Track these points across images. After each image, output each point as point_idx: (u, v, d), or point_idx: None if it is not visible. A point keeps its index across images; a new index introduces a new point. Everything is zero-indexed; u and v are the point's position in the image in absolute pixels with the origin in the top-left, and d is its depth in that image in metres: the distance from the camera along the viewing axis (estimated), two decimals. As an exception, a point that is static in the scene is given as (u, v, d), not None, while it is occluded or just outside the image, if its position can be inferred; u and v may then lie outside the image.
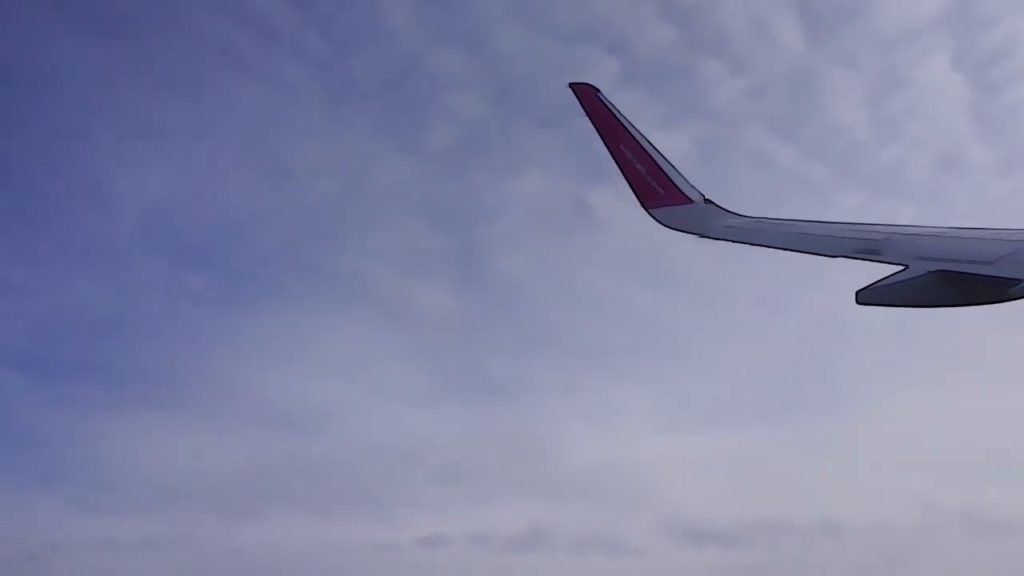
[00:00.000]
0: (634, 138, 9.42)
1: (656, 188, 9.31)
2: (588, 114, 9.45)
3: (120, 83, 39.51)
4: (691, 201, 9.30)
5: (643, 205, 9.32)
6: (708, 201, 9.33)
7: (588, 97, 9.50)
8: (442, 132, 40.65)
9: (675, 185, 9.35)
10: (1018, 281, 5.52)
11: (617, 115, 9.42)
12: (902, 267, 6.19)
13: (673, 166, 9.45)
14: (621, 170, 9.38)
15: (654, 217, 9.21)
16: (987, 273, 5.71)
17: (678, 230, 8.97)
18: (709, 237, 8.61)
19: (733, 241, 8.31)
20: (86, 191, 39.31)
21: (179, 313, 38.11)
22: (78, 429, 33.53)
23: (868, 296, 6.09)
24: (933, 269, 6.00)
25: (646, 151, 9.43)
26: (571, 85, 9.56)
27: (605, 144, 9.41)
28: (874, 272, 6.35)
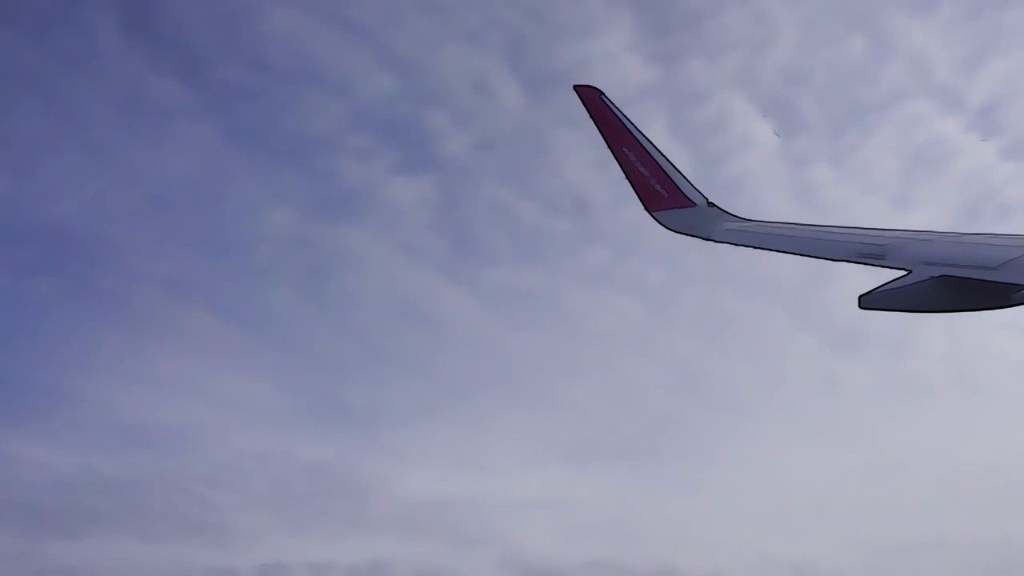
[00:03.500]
0: (637, 141, 9.42)
1: (659, 191, 9.31)
2: (592, 116, 9.45)
3: None
4: (694, 204, 9.30)
5: (646, 208, 9.32)
6: (711, 204, 9.33)
7: (592, 99, 9.50)
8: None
9: (678, 188, 9.35)
10: (1021, 287, 5.52)
11: (621, 118, 9.42)
12: (905, 272, 6.18)
13: (677, 169, 9.45)
14: (624, 173, 9.39)
15: (657, 220, 9.22)
16: (990, 279, 5.70)
17: (681, 233, 8.97)
18: (712, 240, 8.62)
19: (736, 244, 8.31)
20: None
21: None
22: None
23: (871, 301, 6.08)
24: (936, 274, 5.99)
25: (649, 154, 9.43)
26: (576, 87, 9.56)
27: (609, 147, 9.42)
28: (876, 276, 6.36)
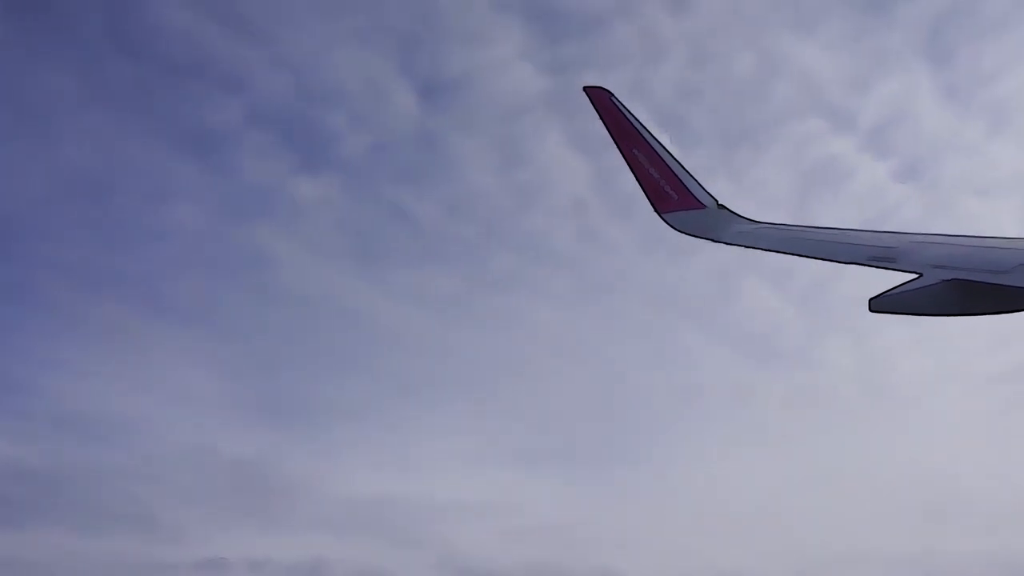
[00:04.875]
0: (647, 142, 9.38)
1: (669, 192, 9.27)
2: (601, 117, 9.43)
3: None
4: (704, 206, 9.25)
5: (656, 209, 9.28)
6: (721, 206, 9.28)
7: (602, 100, 9.47)
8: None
9: (688, 190, 9.31)
10: None
11: (631, 119, 9.39)
12: (916, 275, 6.15)
13: (687, 170, 9.40)
14: (634, 174, 9.35)
15: (667, 222, 9.18)
16: (1001, 282, 5.66)
17: (691, 235, 8.93)
18: (722, 242, 8.58)
19: (746, 247, 8.28)
20: None
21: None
22: None
23: (881, 304, 6.06)
24: (947, 278, 5.96)
25: (659, 155, 9.38)
26: (585, 88, 9.54)
27: (618, 147, 9.39)
28: (882, 280, 6.33)
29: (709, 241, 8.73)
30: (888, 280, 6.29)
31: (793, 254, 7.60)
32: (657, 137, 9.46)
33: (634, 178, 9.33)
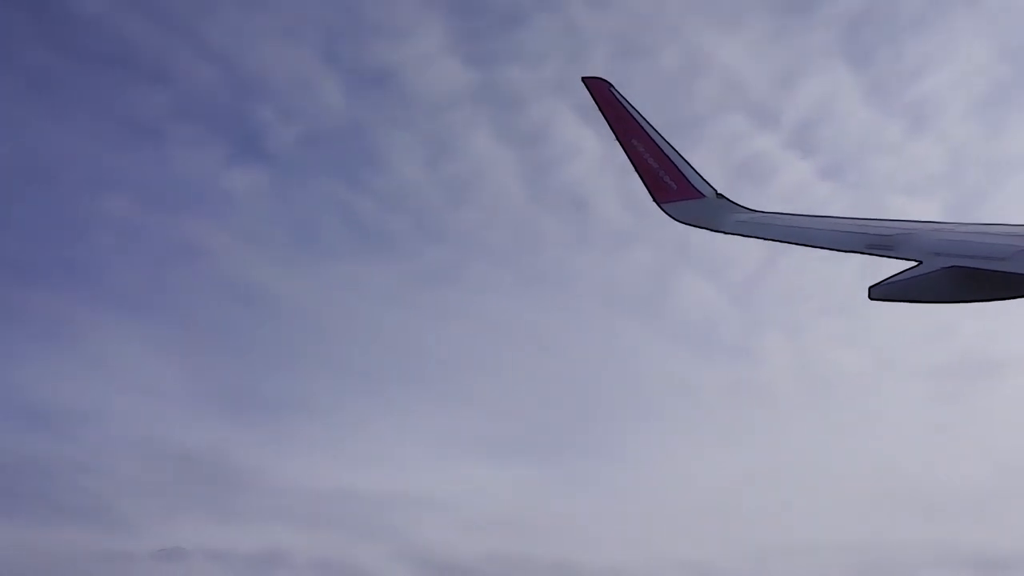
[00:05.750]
0: (646, 132, 9.39)
1: (668, 183, 9.29)
2: (600, 108, 9.43)
3: None
4: (703, 196, 9.26)
5: (655, 200, 9.30)
6: (720, 196, 9.30)
7: (601, 91, 9.47)
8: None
9: (687, 180, 9.32)
10: None
11: (630, 109, 9.39)
12: (916, 263, 6.16)
13: (686, 160, 9.42)
14: (633, 165, 9.36)
15: (666, 212, 9.19)
16: (1001, 269, 5.68)
17: (690, 225, 8.95)
18: (722, 232, 8.59)
19: (745, 236, 8.29)
20: None
21: None
22: None
23: (881, 292, 6.07)
24: (947, 265, 5.97)
25: (658, 146, 9.40)
26: (584, 79, 9.54)
27: (617, 138, 9.40)
28: (879, 268, 6.35)
29: (708, 231, 8.74)
30: (884, 268, 6.31)
31: (793, 243, 7.62)
32: (656, 127, 9.47)
33: (633, 169, 9.34)
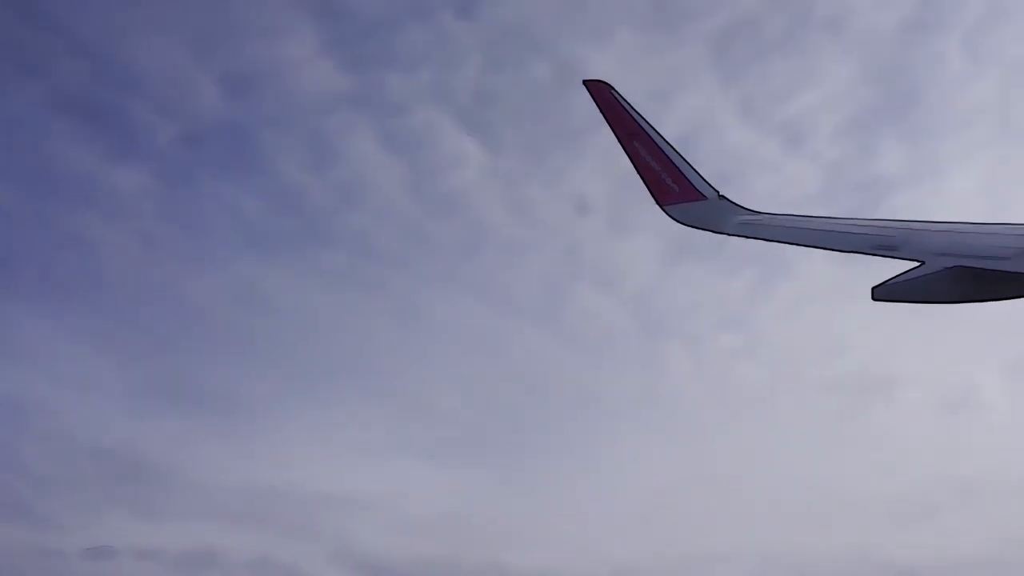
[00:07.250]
0: (648, 135, 9.40)
1: (670, 185, 9.29)
2: (602, 111, 9.44)
3: None
4: (705, 197, 9.27)
5: (657, 202, 9.31)
6: (722, 197, 9.31)
7: (602, 94, 9.48)
8: None
9: (689, 182, 9.33)
10: None
11: (631, 112, 9.40)
12: (919, 263, 6.18)
13: (687, 162, 9.43)
14: (635, 167, 9.37)
15: (668, 214, 9.21)
16: (1004, 269, 5.70)
17: (692, 227, 8.96)
18: (724, 234, 8.61)
19: (747, 237, 8.31)
20: None
21: None
22: None
23: (884, 292, 6.10)
24: (950, 265, 6.00)
25: (660, 148, 9.40)
26: (585, 82, 9.55)
27: (619, 141, 9.40)
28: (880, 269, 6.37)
29: (711, 232, 8.76)
30: (885, 269, 6.33)
31: (796, 244, 7.64)
32: (657, 129, 9.48)
33: (635, 171, 9.35)
